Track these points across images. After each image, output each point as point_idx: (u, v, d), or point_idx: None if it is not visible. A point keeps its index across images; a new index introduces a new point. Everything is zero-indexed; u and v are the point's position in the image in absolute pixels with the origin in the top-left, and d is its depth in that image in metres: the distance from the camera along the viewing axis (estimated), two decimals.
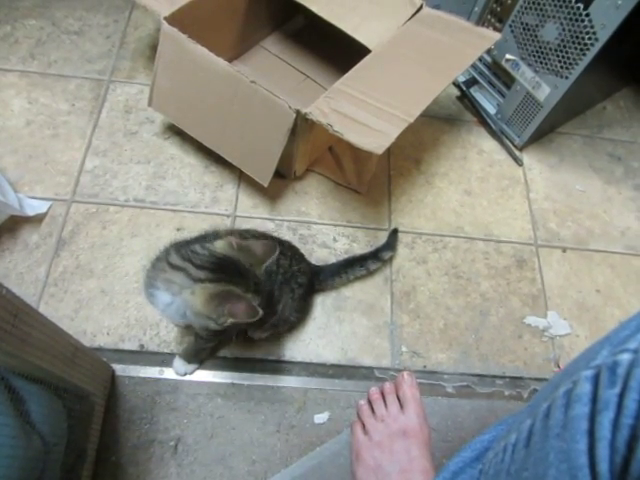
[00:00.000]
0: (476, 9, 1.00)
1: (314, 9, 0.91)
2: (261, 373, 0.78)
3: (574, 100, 1.00)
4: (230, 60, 1.06)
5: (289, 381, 0.78)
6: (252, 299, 0.57)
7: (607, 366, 0.29)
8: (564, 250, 0.96)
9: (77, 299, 0.80)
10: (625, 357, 0.28)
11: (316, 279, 0.81)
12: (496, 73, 1.04)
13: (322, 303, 0.85)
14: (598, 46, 0.81)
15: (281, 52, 1.09)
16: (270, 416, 0.74)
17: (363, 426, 0.69)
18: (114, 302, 0.81)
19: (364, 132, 0.74)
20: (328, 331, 0.83)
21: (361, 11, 0.91)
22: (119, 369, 0.76)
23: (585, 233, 0.99)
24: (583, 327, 0.89)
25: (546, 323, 0.88)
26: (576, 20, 0.82)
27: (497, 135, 1.05)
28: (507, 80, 1.01)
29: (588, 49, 0.82)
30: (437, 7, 1.14)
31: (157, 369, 0.76)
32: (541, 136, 1.08)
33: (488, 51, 1.01)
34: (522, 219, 0.98)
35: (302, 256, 0.79)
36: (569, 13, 0.82)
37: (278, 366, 0.79)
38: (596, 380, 0.29)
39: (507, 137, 1.06)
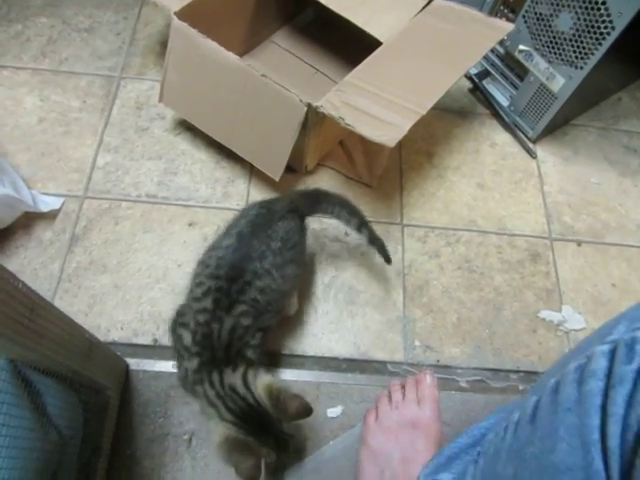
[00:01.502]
0: (488, 0, 0.98)
1: (323, 1, 0.90)
2: (275, 367, 0.78)
3: (589, 91, 0.99)
4: (240, 55, 1.05)
5: (302, 375, 0.78)
6: (266, 455, 0.56)
7: (625, 342, 0.28)
8: (579, 244, 0.95)
9: (91, 294, 0.81)
10: None
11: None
12: (509, 65, 1.03)
13: (334, 297, 0.84)
14: (614, 35, 0.79)
15: (291, 46, 1.08)
16: None
17: (377, 416, 0.68)
18: (127, 297, 0.81)
19: (376, 125, 0.73)
20: (340, 325, 0.82)
21: (372, 3, 0.90)
22: (133, 363, 0.76)
23: (600, 226, 0.97)
24: (598, 321, 0.87)
25: (561, 317, 0.87)
26: (592, 9, 0.80)
27: (510, 128, 1.04)
28: (520, 72, 1.00)
29: (604, 38, 0.81)
30: None
31: (171, 363, 0.77)
32: (555, 128, 1.06)
33: (501, 42, 1.00)
34: (536, 212, 0.97)
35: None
36: (584, 2, 0.81)
37: (291, 360, 0.79)
38: (612, 355, 0.29)
39: (520, 130, 1.04)
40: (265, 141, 0.83)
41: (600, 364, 0.29)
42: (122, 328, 0.79)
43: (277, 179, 0.83)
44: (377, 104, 0.75)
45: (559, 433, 0.30)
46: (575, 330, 0.86)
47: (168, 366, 0.76)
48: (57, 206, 0.86)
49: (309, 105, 0.76)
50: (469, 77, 1.07)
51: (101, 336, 0.78)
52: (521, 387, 0.80)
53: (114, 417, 0.69)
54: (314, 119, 0.79)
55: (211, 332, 0.60)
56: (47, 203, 0.86)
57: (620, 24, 0.78)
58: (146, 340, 0.78)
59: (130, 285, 0.82)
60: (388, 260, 0.81)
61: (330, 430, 0.72)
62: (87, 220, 0.87)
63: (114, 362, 0.71)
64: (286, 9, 1.08)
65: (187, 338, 0.61)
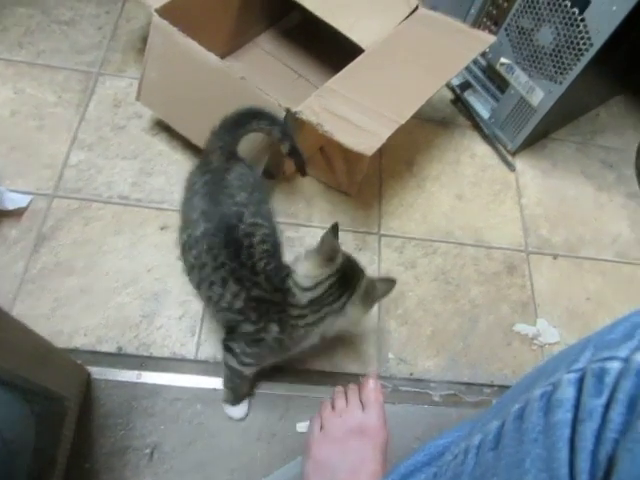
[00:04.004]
0: (472, 11, 0.99)
1: (308, 6, 0.89)
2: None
3: (568, 106, 1.00)
4: (223, 56, 1.04)
5: (272, 387, 0.76)
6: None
7: (593, 372, 0.27)
8: (555, 257, 0.95)
9: (55, 297, 0.78)
10: (614, 365, 0.26)
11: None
12: (490, 77, 1.03)
13: None
14: (593, 51, 0.80)
15: (275, 49, 1.07)
16: (251, 423, 0.72)
17: (321, 425, 0.66)
18: (93, 302, 0.78)
19: (355, 133, 0.72)
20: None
21: (357, 10, 0.90)
22: (95, 372, 0.73)
23: (576, 240, 0.98)
24: (573, 335, 0.87)
25: (535, 331, 0.86)
26: (571, 25, 0.81)
27: (490, 140, 1.04)
28: (501, 84, 1.00)
29: (582, 54, 0.81)
30: (434, 8, 1.13)
31: (135, 372, 0.74)
32: (534, 141, 1.07)
33: (483, 54, 1.00)
34: (513, 225, 0.97)
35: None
36: (564, 17, 0.81)
37: (261, 372, 0.77)
38: (580, 385, 0.28)
39: (500, 142, 1.04)
40: (242, 145, 0.81)
41: (567, 394, 0.28)
42: (86, 334, 0.76)
43: None
44: (357, 111, 0.74)
45: (525, 465, 0.29)
46: (549, 344, 0.86)
47: (132, 375, 0.74)
48: (24, 204, 0.83)
49: (288, 110, 0.74)
50: (451, 88, 1.07)
51: (63, 342, 0.75)
52: (494, 401, 0.79)
53: (72, 428, 0.66)
54: (293, 124, 0.78)
55: (262, 297, 0.60)
56: (14, 200, 0.83)
57: (598, 41, 0.79)
58: (110, 348, 0.75)
59: (97, 289, 0.79)
60: (304, 173, 0.80)
61: (299, 444, 0.70)
62: (55, 220, 0.84)
63: (74, 370, 0.68)
64: (272, 12, 1.06)
65: (251, 327, 0.61)
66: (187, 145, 0.91)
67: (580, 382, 0.28)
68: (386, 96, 0.77)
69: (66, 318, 0.77)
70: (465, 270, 0.91)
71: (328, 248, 0.60)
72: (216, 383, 0.75)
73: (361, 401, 0.68)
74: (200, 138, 0.85)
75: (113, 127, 0.93)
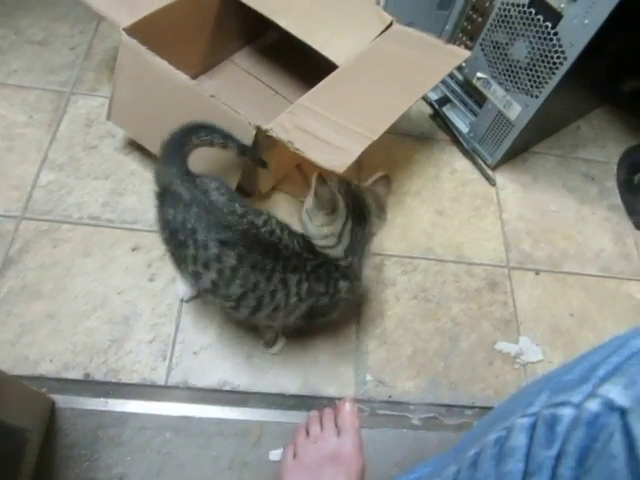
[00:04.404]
0: (447, 27, 0.99)
1: (282, 24, 0.89)
2: (216, 405, 0.73)
3: (547, 119, 0.99)
4: (198, 74, 1.03)
5: (245, 413, 0.73)
6: None
7: (545, 419, 0.25)
8: (537, 272, 0.93)
9: (21, 323, 0.75)
10: (566, 412, 0.25)
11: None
12: (468, 91, 1.02)
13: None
14: (567, 65, 0.79)
15: (251, 67, 1.06)
16: (222, 452, 0.69)
17: (295, 453, 0.64)
18: (60, 327, 0.76)
19: (326, 150, 0.71)
20: (290, 358, 0.78)
21: (331, 26, 0.89)
22: (61, 400, 0.70)
23: (559, 255, 0.96)
24: (556, 352, 0.85)
25: (518, 349, 0.84)
26: (545, 39, 0.80)
27: (470, 154, 1.03)
28: (479, 99, 0.99)
29: (557, 68, 0.81)
30: (411, 24, 1.13)
31: (102, 400, 0.71)
32: (514, 155, 1.06)
33: (459, 69, 1.00)
34: (495, 240, 0.96)
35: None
36: (538, 32, 0.81)
37: (234, 397, 0.74)
38: (532, 432, 0.26)
39: (480, 156, 1.03)
40: (215, 163, 0.80)
41: (519, 441, 0.26)
42: (52, 361, 0.73)
43: None
44: (329, 128, 0.73)
45: None
46: (532, 363, 0.84)
47: (99, 403, 0.71)
48: None
49: (258, 128, 0.73)
50: (429, 103, 1.07)
51: (28, 369, 0.72)
52: (475, 423, 0.77)
53: (33, 461, 0.63)
54: (265, 142, 0.76)
55: (317, 266, 0.63)
56: None
57: (572, 54, 0.78)
58: (77, 374, 0.73)
59: (65, 313, 0.77)
60: (263, 164, 0.76)
61: (272, 474, 0.67)
62: (23, 242, 0.81)
63: (35, 401, 0.65)
64: (248, 30, 1.06)
65: (325, 299, 0.65)
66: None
67: (532, 429, 0.26)
68: (359, 112, 0.76)
69: (32, 344, 0.74)
70: (446, 287, 0.89)
71: (325, 201, 0.61)
72: (186, 410, 0.72)
73: (337, 426, 0.66)
74: None
75: (85, 147, 0.91)
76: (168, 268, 0.83)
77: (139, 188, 0.89)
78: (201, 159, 0.80)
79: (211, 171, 0.81)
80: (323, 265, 0.64)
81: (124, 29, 0.79)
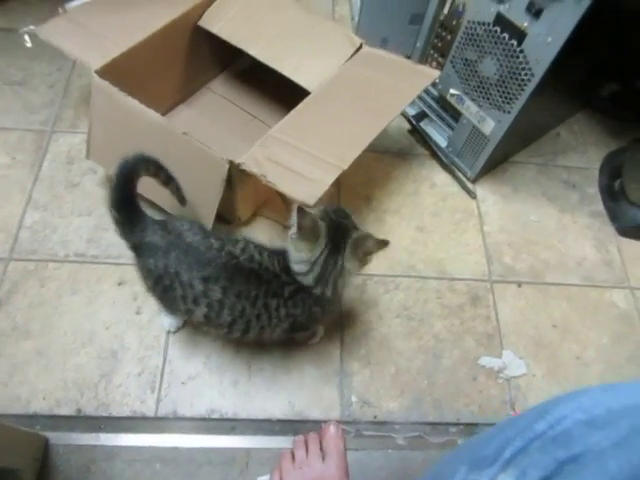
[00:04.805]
0: (418, 44, 0.99)
1: (252, 52, 0.90)
2: (204, 434, 0.75)
3: (525, 129, 1.00)
4: (176, 103, 1.05)
5: (232, 441, 0.75)
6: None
7: None
8: (519, 285, 0.94)
9: (12, 363, 0.78)
10: None
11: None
12: (444, 107, 1.03)
13: (269, 353, 0.82)
14: (535, 81, 0.80)
15: (228, 93, 1.08)
16: None
17: (280, 478, 0.65)
18: (51, 364, 0.78)
19: (297, 181, 0.72)
20: (275, 383, 0.80)
21: (301, 52, 0.90)
22: (54, 437, 0.73)
23: (541, 265, 0.97)
24: (540, 365, 0.86)
25: (501, 363, 0.85)
26: (511, 56, 0.81)
27: (449, 168, 1.04)
28: (455, 113, 1.00)
29: (526, 84, 0.82)
30: (385, 40, 1.15)
31: (94, 435, 0.73)
32: (494, 166, 1.07)
33: (434, 85, 1.01)
34: (476, 253, 0.97)
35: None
36: (504, 49, 0.82)
37: (222, 424, 0.76)
38: None
39: (459, 169, 1.04)
40: (192, 197, 0.81)
41: None
42: (44, 398, 0.75)
43: None
44: (300, 159, 0.74)
45: None
46: (515, 377, 0.85)
47: (91, 438, 0.73)
48: None
49: (231, 162, 0.74)
50: (407, 118, 1.08)
51: (21, 408, 0.74)
52: (460, 441, 0.78)
53: None
54: (239, 174, 0.78)
55: (294, 291, 0.66)
56: None
57: (539, 71, 0.79)
58: (69, 410, 0.75)
59: (54, 351, 0.79)
60: (182, 201, 0.77)
61: None
62: (11, 283, 0.84)
63: (27, 441, 0.67)
64: (222, 57, 1.07)
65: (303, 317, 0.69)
66: (141, 197, 0.91)
67: None
68: (330, 141, 0.77)
69: (23, 383, 0.76)
70: (428, 304, 0.90)
71: (307, 231, 0.63)
72: (175, 441, 0.74)
73: (322, 450, 0.67)
74: (151, 192, 0.86)
75: (67, 185, 0.93)
76: (153, 300, 0.84)
77: None
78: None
79: (190, 202, 0.83)
80: (299, 291, 0.66)
81: (95, 71, 0.81)
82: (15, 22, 1.14)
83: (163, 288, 0.67)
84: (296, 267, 0.65)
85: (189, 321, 0.79)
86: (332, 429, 0.68)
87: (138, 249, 0.68)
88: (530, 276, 0.95)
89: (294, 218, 0.62)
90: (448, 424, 0.80)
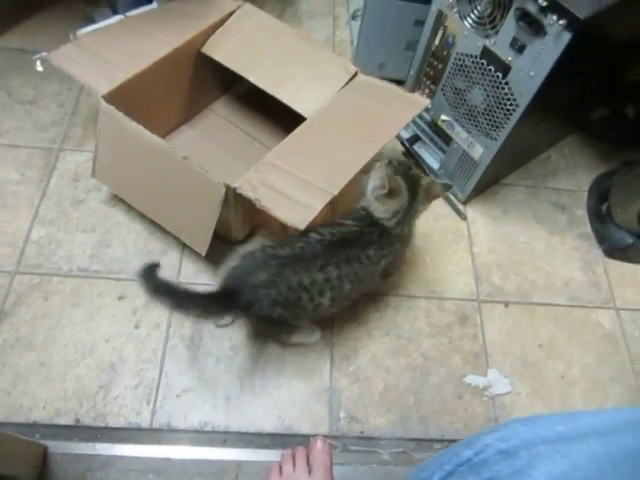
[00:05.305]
0: (411, 72, 1.03)
1: (252, 79, 0.95)
2: (196, 445, 0.78)
3: (512, 155, 1.03)
4: (179, 124, 1.10)
5: (223, 453, 0.78)
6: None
7: None
8: (506, 305, 0.97)
9: (15, 372, 0.81)
10: None
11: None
12: (436, 131, 1.07)
13: (261, 369, 0.85)
14: (520, 111, 0.84)
15: (230, 115, 1.12)
16: None
17: None
18: (52, 375, 0.81)
19: (290, 206, 0.76)
20: (266, 398, 0.83)
21: (298, 79, 0.94)
22: (52, 446, 0.76)
23: (528, 286, 1.00)
24: (525, 384, 0.89)
25: (486, 382, 0.88)
26: (497, 87, 0.85)
27: None
28: (446, 138, 1.04)
29: (511, 114, 0.85)
30: (382, 65, 1.19)
31: (91, 444, 0.77)
32: (485, 188, 1.10)
33: (427, 110, 1.04)
34: (465, 274, 1.00)
35: None
36: (490, 81, 0.85)
37: (213, 437, 0.79)
38: None
39: (451, 191, 1.08)
40: (190, 217, 0.85)
41: None
42: (45, 407, 0.79)
43: (203, 254, 0.85)
44: (293, 184, 0.78)
45: None
46: (500, 395, 0.87)
47: (88, 447, 0.76)
48: None
49: (227, 186, 0.78)
50: (401, 141, 1.11)
51: (22, 417, 0.78)
52: None
53: None
54: (235, 197, 0.82)
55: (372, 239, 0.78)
56: None
57: (523, 102, 0.82)
58: (68, 420, 0.78)
59: (56, 362, 0.82)
60: None
61: None
62: (16, 296, 0.88)
63: (27, 449, 0.71)
64: (224, 80, 1.11)
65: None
66: (144, 215, 0.95)
67: None
68: (322, 167, 0.81)
69: (26, 392, 0.80)
70: (417, 323, 0.93)
71: (394, 190, 0.76)
72: (168, 452, 0.77)
73: (309, 464, 0.70)
74: (152, 211, 0.91)
75: (73, 201, 0.98)
76: (152, 314, 0.88)
77: (124, 239, 0.95)
78: (176, 212, 0.86)
79: (186, 223, 0.87)
80: (383, 235, 0.78)
81: (102, 96, 0.85)
82: (31, 43, 1.19)
83: (291, 306, 0.74)
84: (381, 215, 0.78)
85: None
86: (319, 444, 0.71)
87: (250, 304, 0.73)
88: (518, 296, 0.98)
89: (377, 181, 0.76)
90: (432, 440, 0.82)
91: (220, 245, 0.94)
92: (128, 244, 0.94)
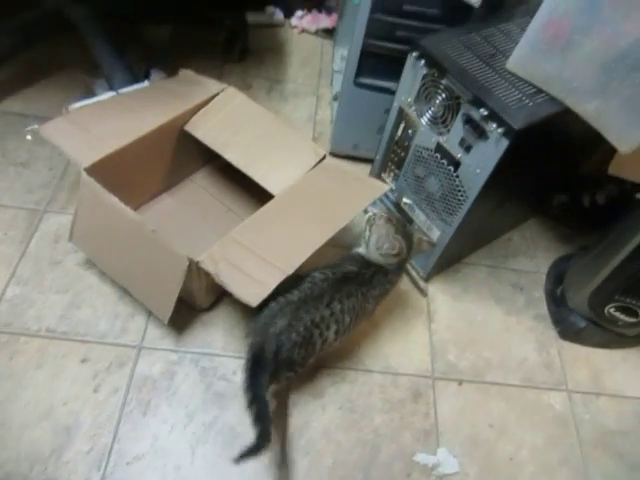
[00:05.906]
0: (378, 157, 1.11)
1: (228, 157, 1.02)
2: None
3: (472, 237, 1.09)
4: (160, 192, 1.16)
5: None
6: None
7: None
8: (460, 383, 0.99)
9: None
10: None
11: None
12: (400, 211, 1.13)
13: (213, 440, 0.87)
14: (470, 202, 0.90)
15: (209, 185, 1.19)
16: None
17: None
18: (7, 436, 0.83)
19: (246, 283, 0.80)
20: (217, 470, 0.84)
21: (271, 159, 1.02)
22: None
23: (483, 364, 1.03)
24: (473, 464, 0.90)
25: (435, 460, 0.89)
26: (450, 179, 0.92)
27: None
28: (409, 218, 1.10)
29: (462, 204, 0.92)
30: (356, 146, 1.27)
31: None
32: (448, 266, 1.15)
33: (392, 191, 1.11)
34: (422, 350, 1.03)
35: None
36: (444, 173, 0.93)
37: None
38: None
39: (414, 269, 1.13)
40: (155, 286, 0.90)
41: None
42: None
43: (165, 322, 0.89)
44: (251, 261, 0.83)
45: None
46: (448, 474, 0.88)
47: None
48: None
49: (191, 260, 0.83)
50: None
51: None
52: None
53: None
54: (199, 269, 0.87)
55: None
56: None
57: (471, 195, 0.89)
58: None
59: (13, 423, 0.84)
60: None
61: None
62: None
63: None
64: (206, 153, 1.19)
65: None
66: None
67: None
68: (281, 245, 0.86)
69: None
70: (371, 398, 0.95)
71: (400, 249, 0.89)
72: None
73: None
74: (121, 278, 0.95)
75: (50, 262, 1.02)
76: (112, 378, 0.91)
77: (95, 301, 0.99)
78: (143, 280, 0.91)
79: (151, 291, 0.91)
80: (375, 274, 0.89)
81: (85, 168, 0.92)
82: (30, 109, 1.28)
83: (306, 345, 0.81)
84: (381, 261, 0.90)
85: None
86: None
87: (277, 351, 0.80)
88: (472, 374, 1.01)
89: (387, 242, 0.88)
90: None
91: (186, 312, 0.98)
92: (97, 306, 0.98)
